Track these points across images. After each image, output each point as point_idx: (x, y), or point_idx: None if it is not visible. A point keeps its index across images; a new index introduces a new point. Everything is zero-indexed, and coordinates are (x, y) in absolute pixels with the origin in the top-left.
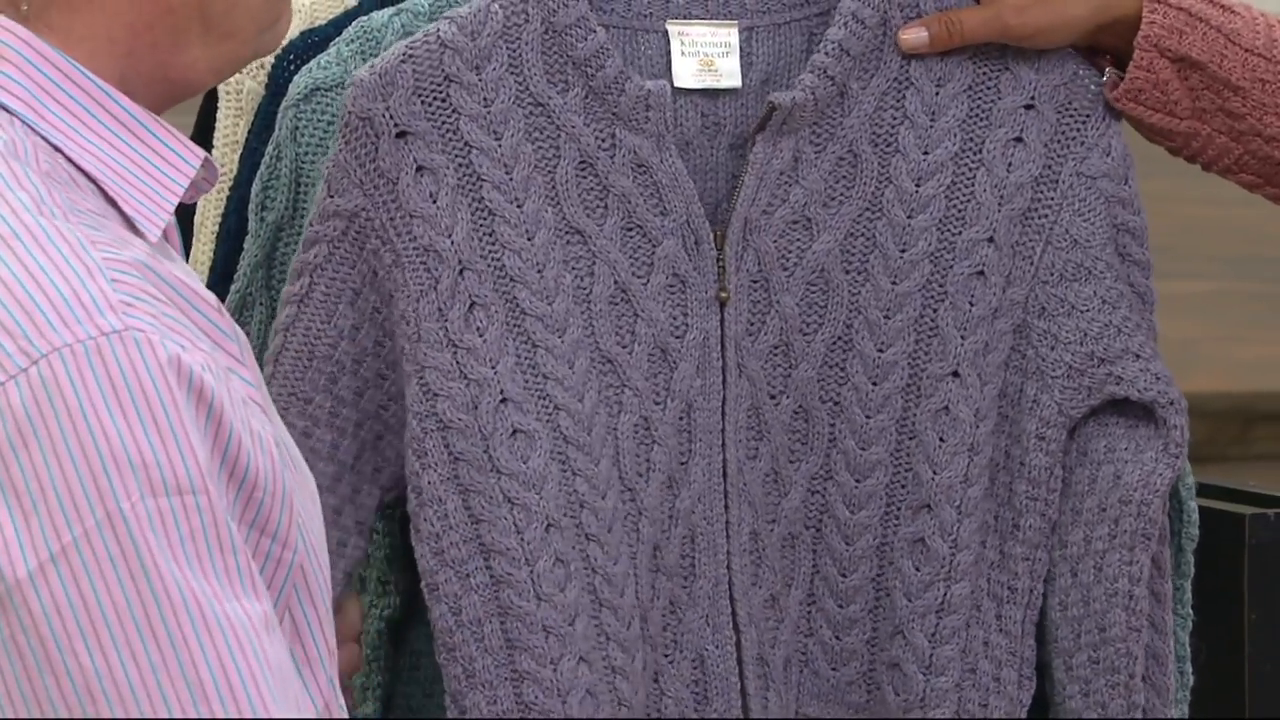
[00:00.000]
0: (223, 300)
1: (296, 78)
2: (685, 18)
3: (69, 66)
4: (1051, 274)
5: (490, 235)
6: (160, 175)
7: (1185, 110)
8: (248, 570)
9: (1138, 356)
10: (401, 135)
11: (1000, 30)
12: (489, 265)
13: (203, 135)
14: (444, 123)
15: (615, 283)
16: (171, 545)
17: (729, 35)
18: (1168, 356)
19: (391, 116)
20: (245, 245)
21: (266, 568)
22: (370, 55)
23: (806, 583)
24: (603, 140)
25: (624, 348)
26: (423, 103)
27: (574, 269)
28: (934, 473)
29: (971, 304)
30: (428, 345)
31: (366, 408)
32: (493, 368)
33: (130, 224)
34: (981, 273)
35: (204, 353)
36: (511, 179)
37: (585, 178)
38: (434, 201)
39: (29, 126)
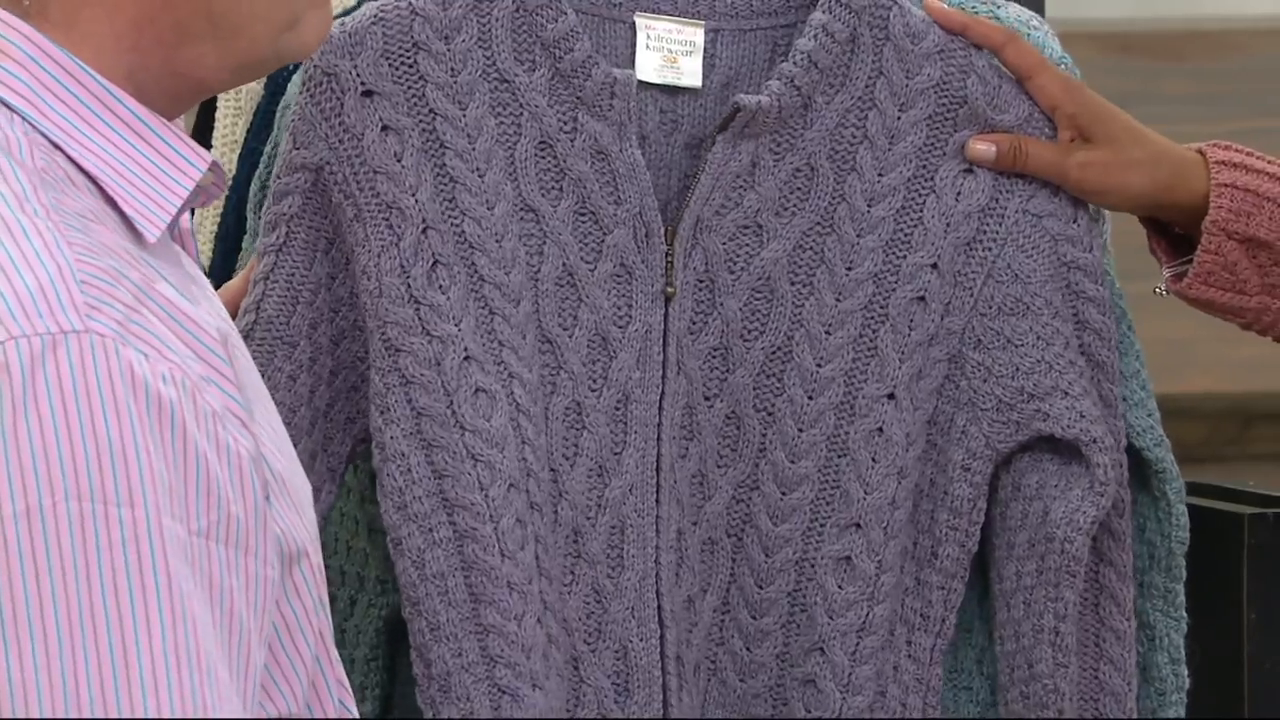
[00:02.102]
0: None
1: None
2: (655, 12)
3: (72, 64)
4: (990, 307)
5: (451, 201)
6: (163, 176)
7: (1255, 287)
8: (165, 592)
9: (1065, 394)
10: (368, 94)
11: (1059, 176)
12: (450, 229)
13: (201, 135)
14: (410, 87)
15: (563, 265)
16: (85, 552)
17: (695, 35)
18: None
19: (358, 75)
20: (244, 245)
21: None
22: None
23: (722, 590)
24: (564, 123)
25: (565, 330)
26: (390, 66)
27: (526, 245)
28: (865, 492)
29: (911, 328)
30: (389, 300)
31: (343, 357)
32: (456, 325)
33: (130, 225)
34: (923, 298)
35: (171, 363)
36: (474, 149)
37: (544, 158)
38: (399, 160)
39: (29, 123)
